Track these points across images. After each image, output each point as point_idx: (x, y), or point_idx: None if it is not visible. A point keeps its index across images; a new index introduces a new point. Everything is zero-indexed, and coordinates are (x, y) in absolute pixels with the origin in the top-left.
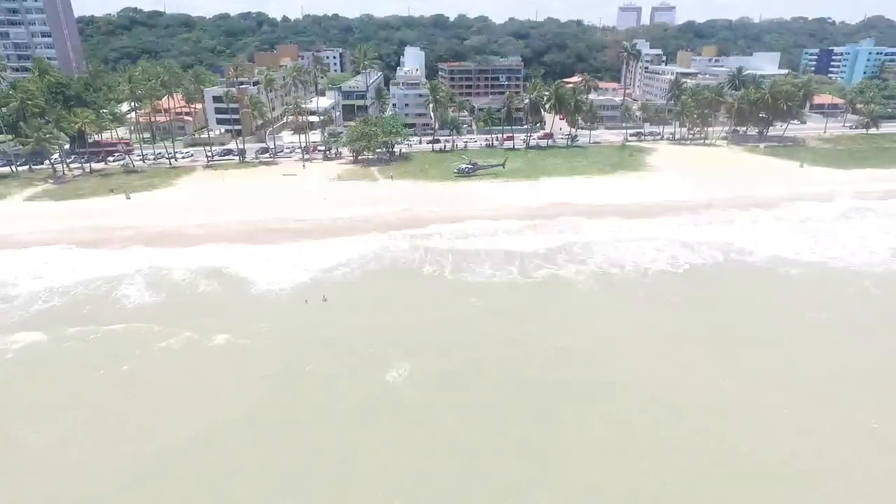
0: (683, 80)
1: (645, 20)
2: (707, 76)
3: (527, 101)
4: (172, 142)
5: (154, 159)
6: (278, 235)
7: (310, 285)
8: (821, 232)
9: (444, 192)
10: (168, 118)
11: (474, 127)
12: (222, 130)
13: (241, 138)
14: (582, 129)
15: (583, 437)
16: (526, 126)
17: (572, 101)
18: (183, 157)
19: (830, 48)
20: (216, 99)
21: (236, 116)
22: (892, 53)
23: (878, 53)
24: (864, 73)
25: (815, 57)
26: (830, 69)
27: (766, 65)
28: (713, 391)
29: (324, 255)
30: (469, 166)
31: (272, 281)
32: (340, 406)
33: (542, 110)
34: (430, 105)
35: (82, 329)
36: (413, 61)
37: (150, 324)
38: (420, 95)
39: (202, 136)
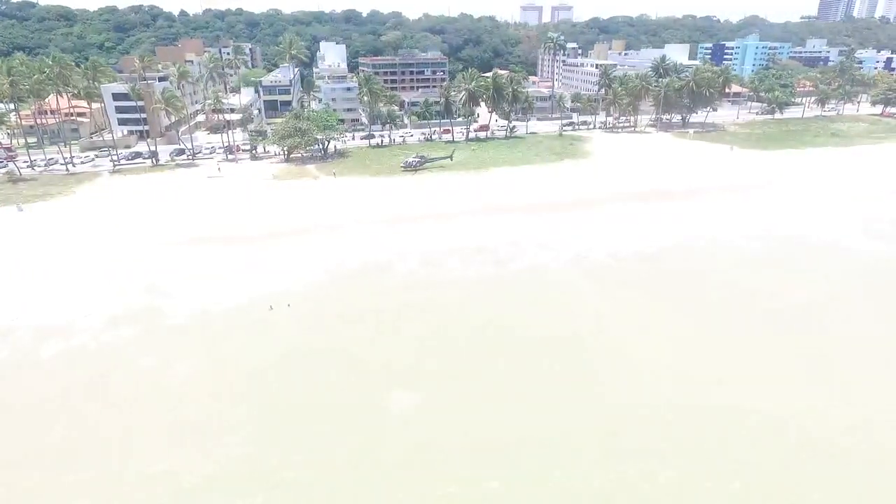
0: (612, 69)
1: (545, 18)
2: (626, 67)
3: (464, 92)
4: (67, 146)
5: (46, 165)
6: (217, 244)
7: (270, 295)
8: (776, 209)
9: (394, 188)
10: (58, 119)
11: (407, 121)
12: (125, 132)
13: (150, 140)
14: (518, 120)
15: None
16: (460, 118)
17: (510, 91)
18: (82, 163)
19: (722, 42)
20: (117, 96)
21: (143, 116)
22: (775, 47)
23: (763, 47)
24: (753, 64)
25: (710, 50)
26: (724, 61)
27: (678, 56)
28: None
29: (276, 261)
30: (416, 159)
31: (226, 296)
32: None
33: (480, 102)
34: (364, 98)
35: None
36: (334, 56)
37: (86, 359)
38: (348, 89)
39: (102, 138)
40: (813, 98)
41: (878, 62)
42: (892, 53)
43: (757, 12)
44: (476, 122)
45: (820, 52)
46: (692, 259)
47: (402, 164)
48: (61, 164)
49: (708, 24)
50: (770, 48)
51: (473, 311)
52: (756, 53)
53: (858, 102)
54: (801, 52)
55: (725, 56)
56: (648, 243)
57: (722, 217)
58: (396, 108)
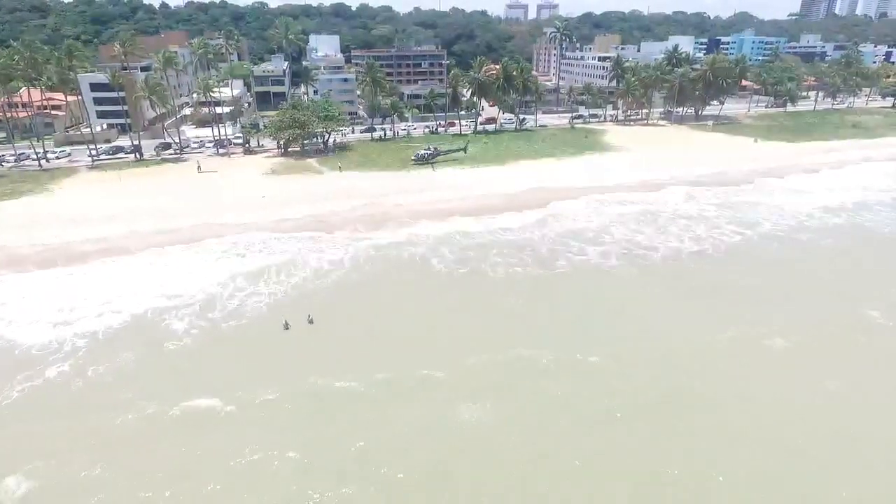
0: (623, 59)
1: (531, 15)
2: (631, 60)
3: (473, 82)
4: (41, 140)
5: (16, 161)
6: (217, 244)
7: (283, 303)
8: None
9: (408, 182)
10: (30, 112)
11: (408, 114)
12: (105, 126)
13: (132, 134)
14: (527, 113)
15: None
16: (464, 112)
17: (521, 80)
18: (56, 158)
19: (718, 37)
20: (96, 87)
21: (124, 108)
22: (770, 42)
23: (759, 42)
24: (749, 58)
25: (705, 45)
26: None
27: (682, 47)
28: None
29: (286, 262)
30: (428, 152)
31: (235, 306)
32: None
33: (488, 92)
34: (366, 89)
35: None
36: (327, 47)
37: (67, 403)
38: (345, 80)
39: (79, 132)
40: (824, 91)
41: (877, 56)
42: (889, 47)
43: (744, 9)
44: (481, 115)
45: (815, 47)
46: (762, 260)
47: (413, 157)
48: (33, 160)
49: (699, 20)
50: (767, 43)
51: (552, 320)
52: (752, 48)
53: (867, 96)
54: (796, 48)
55: (721, 50)
56: (708, 242)
57: (772, 208)
58: (397, 99)
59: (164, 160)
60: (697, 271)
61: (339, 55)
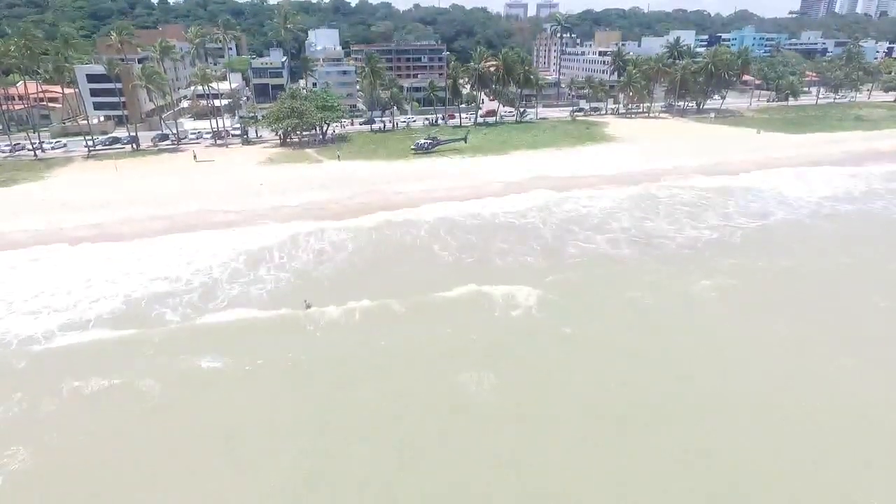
0: (625, 52)
1: (531, 13)
2: (631, 54)
3: (473, 74)
4: (36, 131)
5: (11, 151)
6: (217, 231)
7: (281, 292)
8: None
9: (408, 170)
10: (27, 105)
11: (408, 107)
12: (101, 118)
13: (130, 125)
14: (528, 106)
15: None
16: (464, 105)
17: (521, 72)
18: (52, 149)
19: (718, 34)
20: (92, 78)
21: (121, 99)
22: (771, 38)
23: (760, 38)
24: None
25: (706, 41)
26: None
27: (683, 41)
28: None
29: (283, 248)
30: (428, 141)
31: (234, 291)
32: None
33: (490, 84)
34: (365, 80)
35: None
36: (327, 41)
37: (59, 393)
38: (344, 73)
39: (76, 123)
40: (825, 86)
41: (878, 52)
42: (890, 43)
43: (744, 7)
44: (481, 107)
45: (816, 43)
46: (785, 244)
47: (413, 147)
48: (29, 150)
49: (699, 18)
50: (768, 39)
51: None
52: (754, 44)
53: (869, 91)
54: (796, 44)
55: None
56: (723, 230)
57: (780, 196)
58: (397, 91)
59: (161, 150)
60: (711, 259)
61: (339, 48)
